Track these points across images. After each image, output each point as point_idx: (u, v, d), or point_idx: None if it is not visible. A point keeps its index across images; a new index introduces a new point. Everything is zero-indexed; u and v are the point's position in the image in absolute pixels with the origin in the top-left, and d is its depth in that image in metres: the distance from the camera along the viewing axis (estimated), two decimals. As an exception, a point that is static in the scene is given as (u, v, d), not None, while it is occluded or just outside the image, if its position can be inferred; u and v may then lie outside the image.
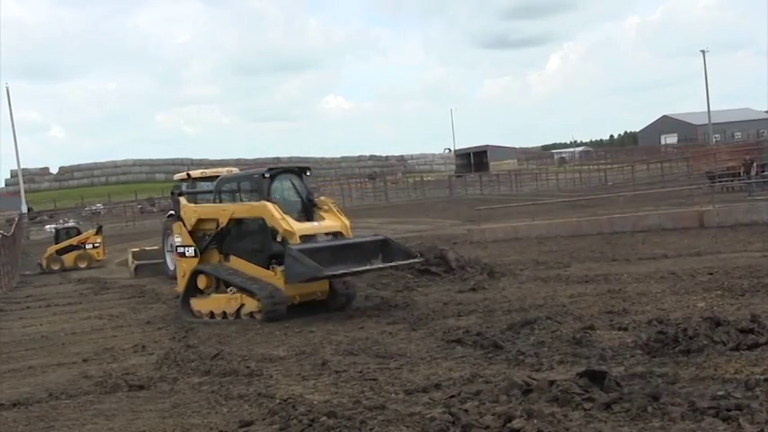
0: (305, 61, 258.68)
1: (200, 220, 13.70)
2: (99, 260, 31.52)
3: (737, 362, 6.65)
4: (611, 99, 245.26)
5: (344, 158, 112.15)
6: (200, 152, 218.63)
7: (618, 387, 5.75)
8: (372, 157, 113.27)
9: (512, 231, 25.26)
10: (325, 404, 6.29)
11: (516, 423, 5.06)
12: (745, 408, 5.00)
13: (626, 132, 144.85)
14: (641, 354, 7.34)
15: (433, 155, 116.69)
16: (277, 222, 12.12)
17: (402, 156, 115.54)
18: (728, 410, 5.00)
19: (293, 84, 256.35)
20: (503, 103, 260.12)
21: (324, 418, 5.67)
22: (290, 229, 12.02)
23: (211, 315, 12.84)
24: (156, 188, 76.61)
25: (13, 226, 38.46)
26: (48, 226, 50.49)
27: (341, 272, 11.78)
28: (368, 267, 12.27)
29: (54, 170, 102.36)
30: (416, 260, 13.56)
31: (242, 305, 12.40)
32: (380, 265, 12.50)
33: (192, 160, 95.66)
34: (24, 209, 60.96)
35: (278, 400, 6.68)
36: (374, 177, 78.45)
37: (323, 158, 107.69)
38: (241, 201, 13.47)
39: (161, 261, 22.70)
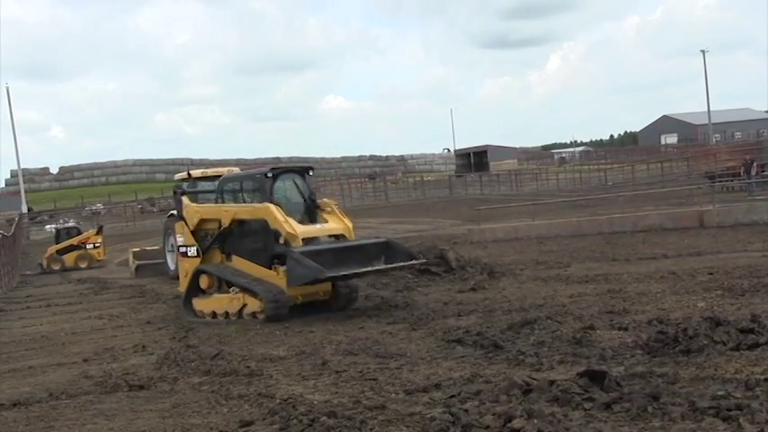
0: (305, 61, 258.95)
1: (202, 220, 13.70)
2: (99, 260, 31.53)
3: (738, 362, 6.65)
4: (611, 99, 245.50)
5: (344, 158, 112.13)
6: (201, 152, 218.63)
7: (618, 387, 5.75)
8: (372, 157, 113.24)
9: (512, 231, 25.27)
10: (326, 404, 6.29)
11: (516, 423, 5.06)
12: (745, 408, 5.00)
13: (626, 132, 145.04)
14: (641, 354, 7.34)
15: (433, 155, 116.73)
16: (280, 225, 12.09)
17: (402, 156, 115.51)
18: (729, 410, 5.00)
19: (293, 84, 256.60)
20: (503, 103, 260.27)
21: (324, 418, 5.67)
22: (292, 231, 11.99)
23: (213, 315, 12.83)
24: (156, 188, 76.61)
25: (14, 226, 38.47)
26: (48, 226, 50.54)
27: (343, 273, 11.74)
28: (370, 269, 12.17)
29: (54, 170, 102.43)
30: (418, 261, 13.57)
31: (244, 305, 12.38)
32: (382, 267, 12.42)
33: (192, 160, 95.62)
34: (24, 209, 61.03)
35: (278, 400, 6.69)
36: (374, 177, 78.47)
37: (323, 158, 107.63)
38: (243, 200, 13.43)
39: (162, 261, 22.68)
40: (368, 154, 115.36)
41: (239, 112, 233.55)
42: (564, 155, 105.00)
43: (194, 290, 13.39)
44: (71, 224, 36.73)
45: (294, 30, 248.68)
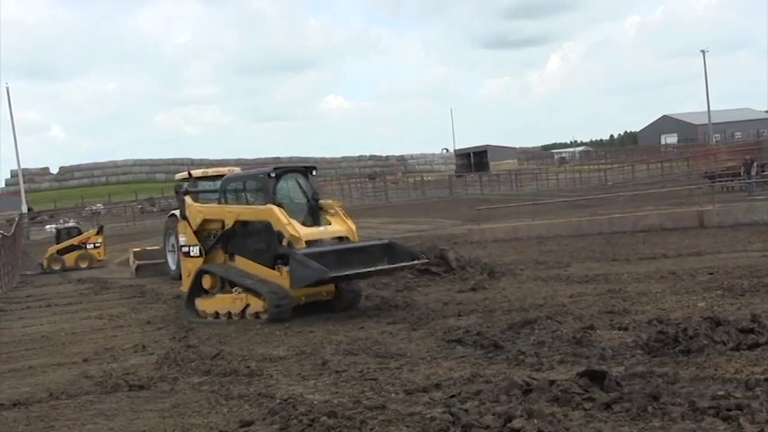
0: (305, 61, 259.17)
1: (205, 220, 13.67)
2: (100, 260, 31.53)
3: (738, 362, 6.65)
4: (611, 99, 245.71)
5: (344, 158, 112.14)
6: (201, 152, 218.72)
7: (618, 387, 5.76)
8: (372, 157, 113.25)
9: (512, 231, 25.27)
10: (326, 404, 6.29)
11: (516, 423, 5.06)
12: (745, 407, 5.00)
13: (626, 132, 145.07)
14: (641, 354, 7.34)
15: (433, 155, 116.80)
16: (283, 227, 12.05)
17: (402, 156, 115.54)
18: (729, 410, 5.00)
19: (293, 84, 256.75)
20: (503, 102, 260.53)
21: (324, 418, 5.67)
22: (296, 234, 11.95)
23: (216, 315, 12.78)
24: (156, 188, 76.64)
25: (14, 226, 38.48)
26: (48, 226, 50.55)
27: (346, 273, 11.67)
28: (373, 269, 12.07)
29: (54, 170, 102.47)
30: (421, 261, 13.57)
31: (247, 305, 12.34)
32: (385, 267, 12.34)
33: (192, 160, 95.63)
34: (24, 209, 61.05)
35: (278, 400, 6.69)
36: (374, 177, 78.49)
37: (323, 158, 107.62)
38: (246, 200, 13.37)
39: (162, 261, 22.66)
40: (368, 154, 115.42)
41: (239, 112, 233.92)
42: (564, 155, 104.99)
43: (197, 290, 13.35)
44: (71, 224, 36.72)
45: (294, 30, 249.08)
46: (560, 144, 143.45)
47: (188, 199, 14.31)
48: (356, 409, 5.99)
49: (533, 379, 6.12)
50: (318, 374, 7.89)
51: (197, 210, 13.90)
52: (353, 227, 12.67)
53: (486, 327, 9.54)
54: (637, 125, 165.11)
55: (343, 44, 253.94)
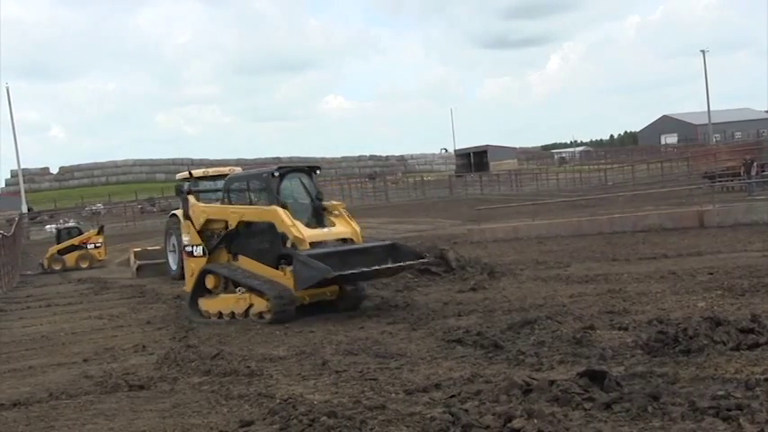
0: (305, 61, 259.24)
1: (208, 220, 13.65)
2: (100, 260, 31.53)
3: (738, 362, 6.65)
4: (611, 99, 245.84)
5: (344, 158, 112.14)
6: (201, 152, 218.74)
7: (618, 387, 5.76)
8: (372, 157, 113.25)
9: (512, 231, 25.27)
10: (326, 404, 6.29)
11: (516, 423, 5.06)
12: (745, 407, 5.00)
13: (626, 132, 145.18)
14: (641, 354, 7.34)
15: (434, 155, 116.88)
16: (287, 229, 12.00)
17: (402, 156, 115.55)
18: (729, 410, 5.00)
19: (293, 84, 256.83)
20: (503, 102, 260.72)
21: (324, 418, 5.67)
22: (300, 236, 11.90)
23: (220, 315, 12.74)
24: (156, 188, 76.67)
25: (14, 226, 38.47)
26: (48, 226, 50.55)
27: (349, 272, 11.57)
28: (376, 267, 11.95)
29: (54, 170, 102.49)
30: (425, 260, 13.58)
31: (251, 305, 12.29)
32: (389, 265, 12.24)
33: (192, 160, 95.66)
34: (24, 209, 61.07)
35: (278, 400, 6.69)
36: (374, 177, 78.53)
37: (323, 158, 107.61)
38: (250, 200, 13.32)
39: (163, 261, 22.64)
40: (368, 154, 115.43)
41: (239, 112, 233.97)
42: (564, 155, 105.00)
43: (200, 290, 13.30)
44: (72, 224, 36.72)
45: (294, 30, 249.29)
46: (560, 144, 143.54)
47: (192, 198, 14.29)
48: (356, 409, 6.00)
49: (533, 379, 6.12)
50: (318, 374, 7.88)
51: (201, 209, 13.88)
52: (358, 228, 12.60)
53: (486, 327, 9.54)
54: (637, 125, 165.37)
55: (343, 44, 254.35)
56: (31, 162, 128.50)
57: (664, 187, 40.47)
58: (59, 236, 32.61)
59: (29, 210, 63.09)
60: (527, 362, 7.52)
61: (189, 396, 7.49)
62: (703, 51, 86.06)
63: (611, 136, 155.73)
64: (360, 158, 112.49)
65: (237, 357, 9.15)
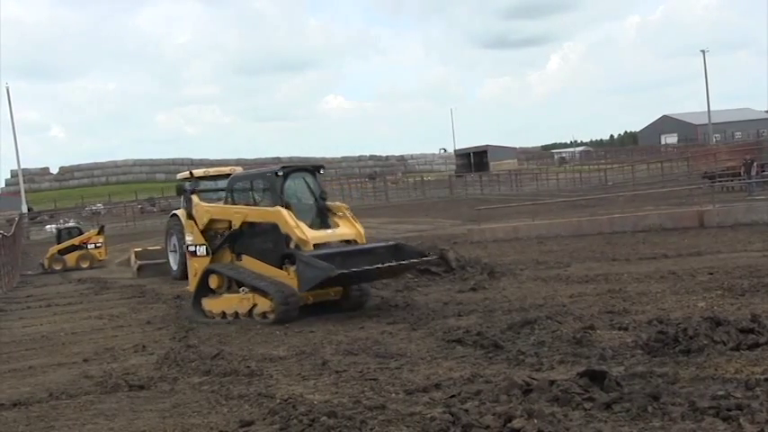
0: (305, 61, 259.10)
1: (212, 220, 13.64)
2: (101, 260, 31.52)
3: (738, 362, 6.65)
4: (611, 99, 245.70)
5: (345, 158, 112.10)
6: (201, 152, 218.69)
7: (618, 387, 5.76)
8: (372, 157, 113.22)
9: (512, 231, 25.28)
10: (326, 404, 6.29)
11: (516, 423, 5.07)
12: (745, 407, 5.00)
13: (626, 132, 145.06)
14: (641, 354, 7.34)
15: (434, 155, 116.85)
16: (291, 230, 11.97)
17: (402, 156, 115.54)
18: (729, 410, 5.00)
19: (293, 84, 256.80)
20: (503, 102, 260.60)
21: (324, 418, 5.68)
22: (304, 237, 11.87)
23: (223, 315, 12.70)
24: (156, 188, 76.68)
25: (14, 226, 38.49)
26: (48, 226, 50.57)
27: (353, 270, 11.47)
28: (380, 266, 11.85)
29: (54, 170, 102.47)
30: (430, 258, 13.61)
31: (254, 305, 12.25)
32: (393, 263, 12.13)
33: (192, 160, 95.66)
34: (24, 209, 61.07)
35: (278, 400, 6.69)
36: (374, 177, 78.53)
37: (323, 158, 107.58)
38: (254, 199, 13.29)
39: (164, 261, 22.64)
40: (368, 154, 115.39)
41: (239, 112, 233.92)
42: (564, 155, 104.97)
43: (204, 290, 13.27)
44: (72, 224, 36.73)
45: (294, 30, 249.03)
46: (560, 144, 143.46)
47: (195, 198, 14.28)
48: (356, 409, 6.00)
49: (533, 379, 6.12)
50: (318, 374, 7.88)
51: (204, 209, 13.86)
52: (362, 230, 12.54)
53: (486, 327, 9.54)
54: (637, 125, 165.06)
55: (343, 44, 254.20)
56: (31, 162, 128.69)
57: (664, 187, 40.48)
58: (60, 236, 32.60)
59: (29, 210, 63.09)
60: (527, 362, 7.52)
61: (189, 396, 7.49)
62: (703, 51, 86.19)
63: (611, 136, 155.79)
64: (360, 158, 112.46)
65: (237, 357, 9.16)
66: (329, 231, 12.38)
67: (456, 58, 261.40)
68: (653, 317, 8.96)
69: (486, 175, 67.71)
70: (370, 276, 12.28)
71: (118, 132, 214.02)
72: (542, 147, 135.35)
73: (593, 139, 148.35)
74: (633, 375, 6.28)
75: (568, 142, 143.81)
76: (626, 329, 8.61)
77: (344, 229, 12.47)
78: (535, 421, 5.05)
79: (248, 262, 12.92)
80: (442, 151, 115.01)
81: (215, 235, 13.65)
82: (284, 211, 12.14)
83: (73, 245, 31.52)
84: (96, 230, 32.80)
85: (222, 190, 15.25)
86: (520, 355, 7.81)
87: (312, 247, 11.82)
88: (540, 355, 7.67)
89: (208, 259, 13.48)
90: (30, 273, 30.63)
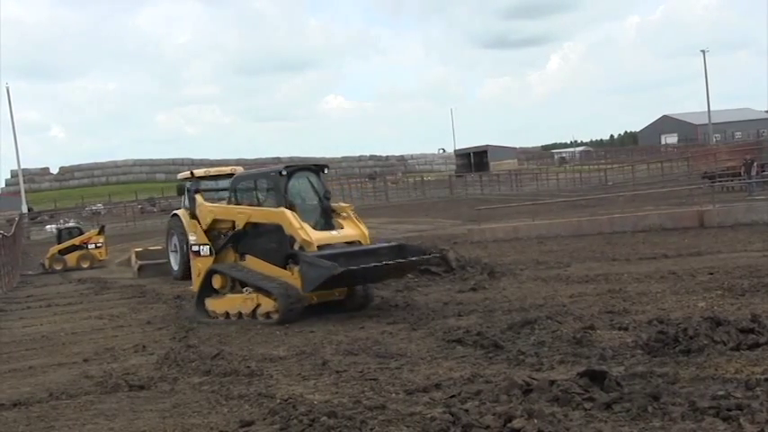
0: (305, 61, 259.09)
1: (215, 220, 13.61)
2: (101, 260, 31.56)
3: (738, 362, 6.65)
4: (611, 99, 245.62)
5: (345, 158, 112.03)
6: (201, 152, 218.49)
7: (618, 387, 5.76)
8: (372, 157, 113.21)
9: (512, 231, 25.29)
10: (326, 404, 6.29)
11: (516, 423, 5.07)
12: (745, 407, 5.00)
13: (626, 132, 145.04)
14: (641, 354, 7.34)
15: (434, 155, 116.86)
16: (295, 231, 11.92)
17: (402, 156, 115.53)
18: (729, 410, 5.00)
19: (293, 84, 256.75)
20: (503, 102, 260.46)
21: (324, 418, 5.68)
22: (308, 239, 11.82)
23: (227, 315, 12.66)
24: (156, 188, 76.70)
25: (14, 226, 38.51)
26: (48, 226, 50.60)
27: (355, 267, 11.33)
28: (385, 263, 11.72)
29: (54, 170, 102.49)
30: (433, 256, 13.71)
31: (258, 305, 12.21)
32: (398, 260, 12.01)
33: (192, 160, 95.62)
34: (24, 209, 61.11)
35: (278, 400, 6.68)
36: (374, 177, 78.53)
37: (323, 158, 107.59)
38: (257, 199, 13.25)
39: (165, 261, 22.62)
40: (368, 154, 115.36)
41: (239, 112, 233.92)
42: (564, 155, 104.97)
43: (207, 290, 13.23)
44: (72, 224, 36.76)
45: (294, 30, 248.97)
46: (560, 144, 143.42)
47: (199, 198, 14.26)
48: (356, 409, 6.00)
49: (533, 379, 6.12)
50: (318, 374, 7.88)
51: (208, 209, 13.84)
52: (366, 231, 12.46)
53: (486, 327, 9.54)
54: (637, 125, 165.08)
55: (343, 44, 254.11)
56: (31, 162, 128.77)
57: (664, 187, 40.49)
58: (60, 236, 32.65)
59: (29, 210, 63.13)
60: (527, 362, 7.52)
61: (189, 396, 7.49)
62: (703, 51, 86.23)
63: (611, 136, 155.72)
64: (360, 158, 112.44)
65: (238, 357, 9.16)
66: (333, 233, 12.31)
67: (456, 58, 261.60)
68: (653, 317, 8.96)
69: (486, 175, 67.74)
70: (375, 274, 12.12)
71: (118, 132, 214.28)
72: (542, 147, 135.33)
73: (594, 139, 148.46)
74: (633, 375, 6.28)
75: (568, 142, 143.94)
76: (626, 329, 8.61)
77: (349, 231, 12.39)
78: (535, 421, 5.05)
79: (252, 262, 12.88)
80: (441, 151, 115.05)
81: (218, 235, 13.63)
82: (288, 213, 12.09)
83: (73, 245, 31.57)
84: (97, 230, 32.86)
85: (223, 190, 15.25)
86: (520, 355, 7.81)
87: (316, 249, 11.78)
88: (540, 355, 7.67)
89: (211, 259, 13.45)
90: (30, 273, 30.66)
